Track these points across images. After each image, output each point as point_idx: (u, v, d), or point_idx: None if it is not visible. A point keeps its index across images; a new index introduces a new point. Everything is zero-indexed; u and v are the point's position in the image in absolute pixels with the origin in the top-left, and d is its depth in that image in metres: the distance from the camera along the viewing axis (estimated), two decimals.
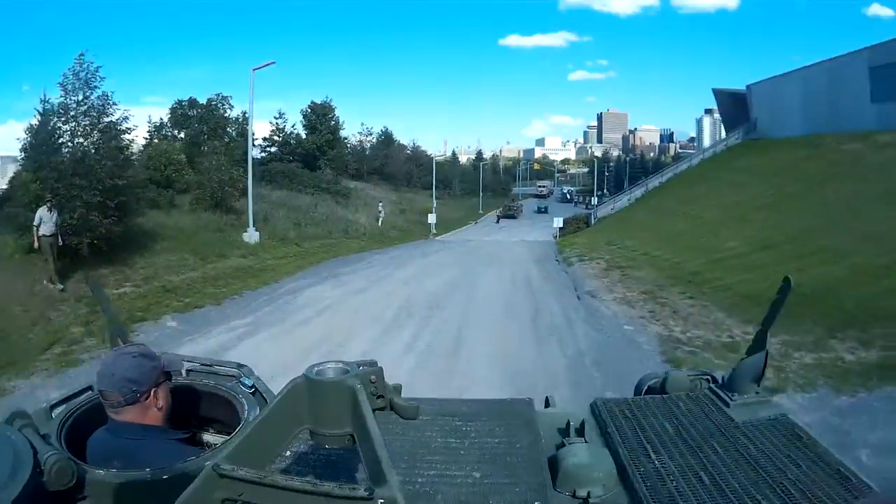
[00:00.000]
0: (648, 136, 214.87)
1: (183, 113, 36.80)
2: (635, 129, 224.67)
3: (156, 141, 32.87)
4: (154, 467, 1.34)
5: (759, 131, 40.98)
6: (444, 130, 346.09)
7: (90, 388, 1.66)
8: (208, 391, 1.84)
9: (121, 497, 1.30)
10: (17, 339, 9.44)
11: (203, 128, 35.31)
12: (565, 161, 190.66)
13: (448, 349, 9.39)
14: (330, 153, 42.91)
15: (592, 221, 36.58)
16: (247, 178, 23.00)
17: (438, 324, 10.96)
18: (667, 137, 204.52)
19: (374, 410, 0.92)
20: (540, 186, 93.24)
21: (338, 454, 1.33)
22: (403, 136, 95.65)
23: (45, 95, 15.73)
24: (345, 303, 12.75)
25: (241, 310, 11.82)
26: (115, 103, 16.32)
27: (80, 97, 15.79)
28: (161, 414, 1.64)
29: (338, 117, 45.01)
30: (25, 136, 15.55)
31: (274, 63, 24.24)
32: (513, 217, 53.75)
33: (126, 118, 16.55)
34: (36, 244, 12.53)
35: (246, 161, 23.70)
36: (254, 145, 41.94)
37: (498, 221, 51.57)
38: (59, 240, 12.74)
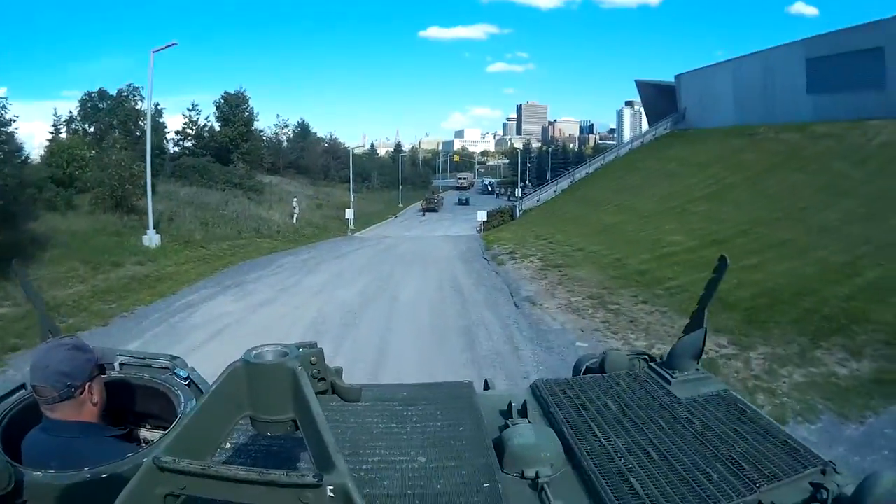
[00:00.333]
0: (568, 127, 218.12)
1: (93, 105, 34.68)
2: (555, 120, 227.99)
3: (62, 136, 30.86)
4: (93, 467, 1.31)
5: (688, 121, 41.73)
6: (362, 123, 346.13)
7: (23, 386, 1.62)
8: (143, 385, 1.80)
9: (60, 499, 1.26)
10: None
11: (113, 121, 33.43)
12: (485, 153, 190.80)
13: None
14: (244, 146, 40.82)
15: (517, 214, 35.76)
16: (151, 174, 20.69)
17: (352, 351, 9.01)
18: (587, 129, 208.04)
19: (315, 394, 0.87)
20: (461, 178, 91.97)
21: (281, 443, 1.33)
22: (321, 129, 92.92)
23: None
24: (244, 322, 11.19)
25: (127, 332, 10.54)
26: None
27: None
28: (97, 409, 1.59)
29: (252, 108, 43.13)
30: None
31: (176, 44, 22.22)
32: (434, 210, 52.91)
33: (4, 107, 13.95)
34: None
35: (154, 155, 21.12)
36: (165, 139, 39.78)
37: (424, 214, 51.15)
38: None
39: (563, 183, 39.63)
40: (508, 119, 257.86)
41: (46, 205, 19.63)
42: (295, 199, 35.74)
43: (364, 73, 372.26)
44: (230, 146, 40.01)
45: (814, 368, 7.83)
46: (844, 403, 6.83)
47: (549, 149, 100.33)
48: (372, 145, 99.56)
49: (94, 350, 1.62)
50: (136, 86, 34.51)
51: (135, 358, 1.84)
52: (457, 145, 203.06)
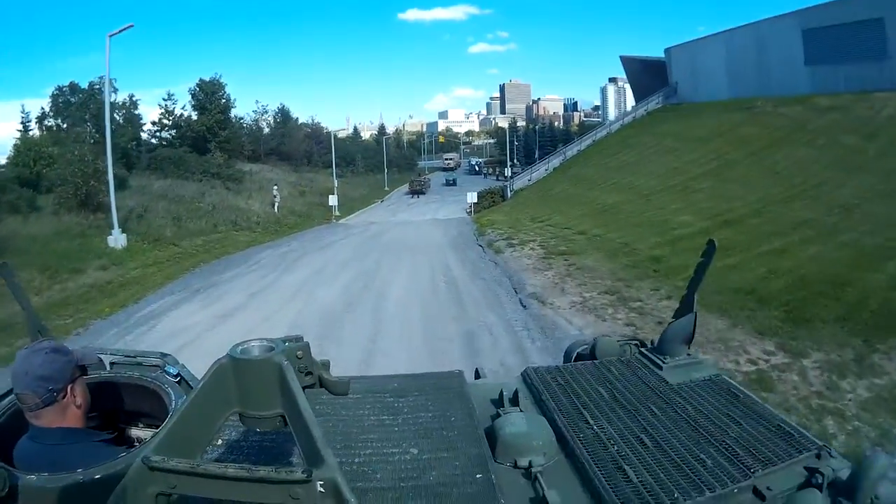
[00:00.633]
0: (552, 105, 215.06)
1: (64, 100, 33.48)
2: (538, 99, 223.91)
3: (31, 133, 29.96)
4: (85, 468, 1.26)
5: (680, 95, 40.73)
6: (345, 107, 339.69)
7: (11, 391, 1.55)
8: (133, 384, 1.77)
9: (55, 502, 1.22)
10: None
11: (84, 115, 32.21)
12: (469, 133, 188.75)
13: None
14: (221, 134, 39.25)
15: (509, 194, 34.50)
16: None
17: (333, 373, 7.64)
18: (571, 107, 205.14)
19: (303, 388, 0.87)
20: (447, 159, 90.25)
21: (273, 438, 1.32)
22: (303, 114, 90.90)
23: None
24: (209, 335, 9.67)
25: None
26: None
27: None
28: (81, 412, 1.56)
29: (228, 95, 41.47)
30: None
31: (132, 26, 20.61)
32: (421, 193, 51.39)
33: None
34: None
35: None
36: (142, 131, 38.03)
37: (413, 197, 49.80)
38: None
39: (555, 161, 38.44)
40: (492, 99, 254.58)
41: (9, 207, 18.51)
42: (276, 187, 34.18)
43: (345, 56, 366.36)
44: (207, 135, 38.40)
45: (877, 379, 6.81)
46: None
47: (536, 127, 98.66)
48: (355, 129, 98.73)
49: (74, 352, 1.58)
50: (111, 77, 32.86)
51: (125, 356, 1.83)
52: (441, 126, 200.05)
